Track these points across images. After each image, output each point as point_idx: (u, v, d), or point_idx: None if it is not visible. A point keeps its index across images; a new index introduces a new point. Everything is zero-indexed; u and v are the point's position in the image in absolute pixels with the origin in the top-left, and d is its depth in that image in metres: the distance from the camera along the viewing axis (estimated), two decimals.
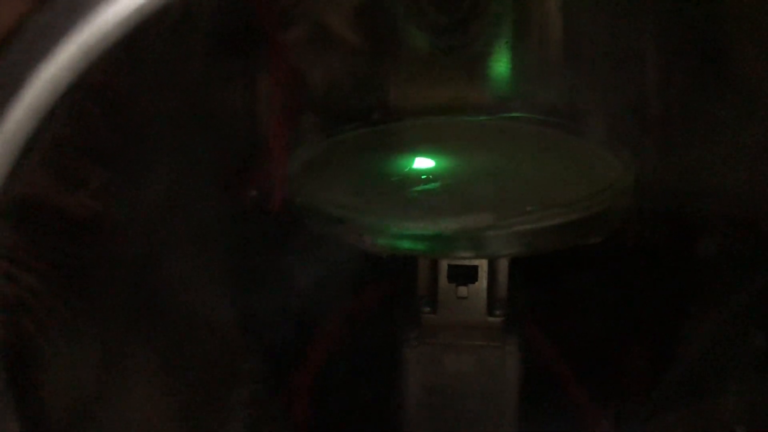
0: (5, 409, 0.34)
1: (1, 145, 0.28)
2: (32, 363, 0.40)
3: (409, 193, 0.61)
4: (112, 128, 0.50)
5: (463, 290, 0.64)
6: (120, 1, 0.27)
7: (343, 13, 0.71)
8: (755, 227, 0.61)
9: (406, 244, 0.57)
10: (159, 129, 0.55)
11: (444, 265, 0.63)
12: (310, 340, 0.67)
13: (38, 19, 0.27)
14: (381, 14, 0.73)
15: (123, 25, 0.27)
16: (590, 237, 0.59)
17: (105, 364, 0.47)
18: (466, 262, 0.63)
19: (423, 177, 0.63)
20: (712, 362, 0.62)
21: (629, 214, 0.62)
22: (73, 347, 0.43)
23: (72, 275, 0.44)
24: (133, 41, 0.29)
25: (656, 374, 0.66)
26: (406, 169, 0.64)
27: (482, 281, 0.64)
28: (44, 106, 0.28)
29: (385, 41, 0.73)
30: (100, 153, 0.48)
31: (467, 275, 0.64)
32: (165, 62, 0.51)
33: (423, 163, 0.65)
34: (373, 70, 0.74)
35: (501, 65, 0.74)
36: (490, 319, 0.64)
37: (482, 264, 0.63)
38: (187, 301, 0.56)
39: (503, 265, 0.64)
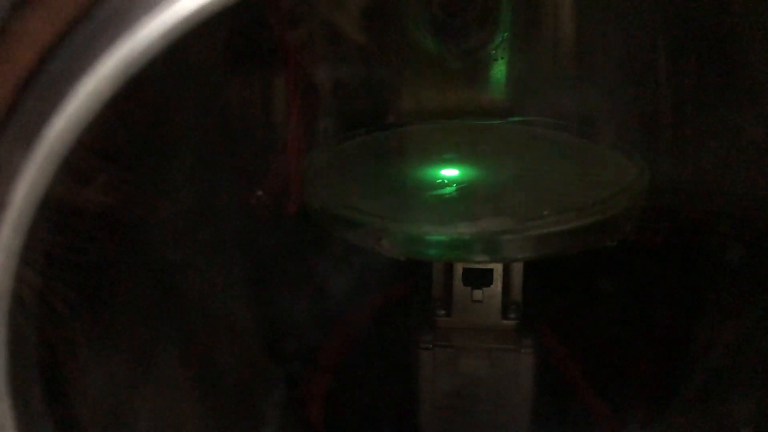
0: (41, 415, 0.35)
1: (46, 155, 0.28)
2: (65, 370, 0.40)
3: (425, 198, 0.61)
4: (133, 132, 0.50)
5: (477, 293, 0.64)
6: (162, 15, 0.27)
7: (352, 15, 0.72)
8: (762, 226, 0.62)
9: (422, 248, 0.57)
10: (180, 134, 0.55)
11: (459, 268, 0.64)
12: (326, 343, 0.67)
13: (81, 31, 0.28)
14: (393, 18, 0.73)
15: (165, 39, 0.27)
16: (605, 240, 0.59)
17: (136, 371, 0.47)
18: (481, 266, 0.63)
19: (439, 181, 0.63)
20: (724, 367, 0.62)
21: (642, 217, 0.62)
22: (104, 355, 0.44)
23: (97, 279, 0.44)
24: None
25: (669, 378, 0.66)
26: (422, 173, 0.64)
27: (497, 284, 0.64)
28: (86, 116, 0.28)
29: (397, 45, 0.74)
30: (118, 155, 0.48)
31: (482, 278, 0.64)
32: (185, 71, 0.51)
33: (438, 167, 0.65)
34: (386, 75, 0.74)
35: (514, 69, 0.74)
36: (505, 322, 0.65)
37: (497, 267, 0.64)
38: (215, 308, 0.56)
39: (518, 268, 0.64)
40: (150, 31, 0.27)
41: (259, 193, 0.63)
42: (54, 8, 0.28)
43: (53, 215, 0.38)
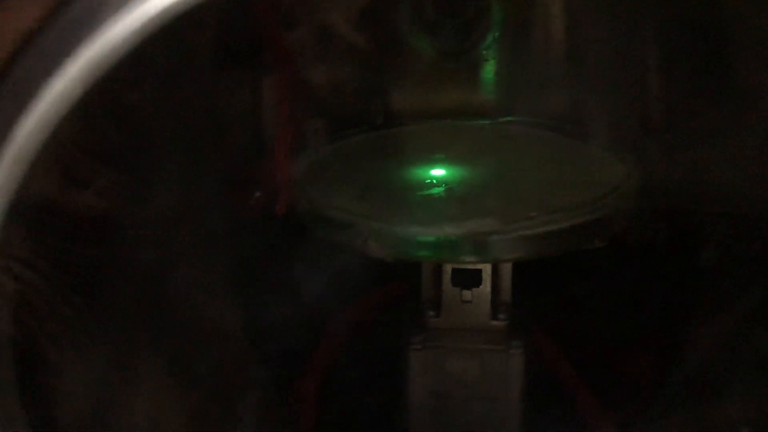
0: (16, 414, 0.35)
1: (13, 156, 0.28)
2: (42, 367, 0.40)
3: (413, 198, 0.61)
4: (119, 132, 0.50)
5: (467, 294, 0.64)
6: (129, 16, 0.27)
7: (346, 15, 0.72)
8: (755, 226, 0.61)
9: (410, 249, 0.57)
10: (166, 134, 0.55)
11: (448, 269, 0.64)
12: (315, 345, 0.67)
13: (48, 32, 0.28)
14: (384, 17, 0.73)
15: (131, 40, 0.27)
16: (594, 241, 0.59)
17: (115, 370, 0.47)
18: (470, 266, 0.63)
19: (427, 182, 0.63)
20: (718, 365, 0.62)
21: (633, 218, 0.62)
22: (83, 353, 0.44)
23: (78, 278, 0.44)
24: (141, 53, 0.29)
25: (661, 377, 0.66)
26: (411, 174, 0.64)
27: (486, 285, 0.64)
28: (54, 118, 0.28)
29: (389, 45, 0.74)
30: (106, 154, 0.48)
31: (471, 279, 0.64)
32: (172, 70, 0.51)
33: (427, 168, 0.65)
34: (377, 75, 0.74)
35: (504, 70, 0.74)
36: (494, 322, 0.65)
37: (486, 268, 0.64)
38: (196, 309, 0.56)
39: (507, 269, 0.64)
40: (118, 31, 0.27)
41: (257, 194, 0.63)
42: (20, 10, 0.28)
43: (36, 216, 0.38)
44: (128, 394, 0.48)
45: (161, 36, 0.29)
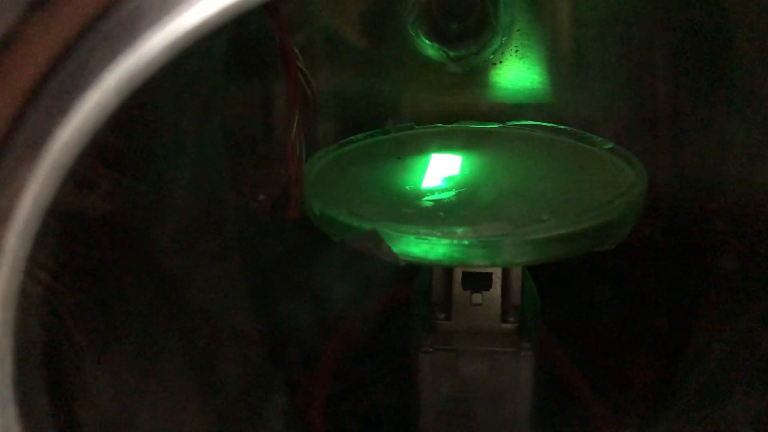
0: (46, 421, 0.35)
1: (50, 166, 0.29)
2: (68, 372, 0.40)
3: (424, 202, 0.61)
4: (130, 137, 0.50)
5: (477, 297, 0.64)
6: (165, 29, 0.27)
7: (353, 20, 0.72)
8: (755, 222, 0.62)
9: (421, 253, 0.58)
10: (180, 142, 0.55)
11: (458, 272, 0.64)
12: (326, 348, 0.67)
13: (86, 45, 0.28)
14: (391, 22, 0.73)
15: (167, 53, 0.28)
16: (603, 244, 0.59)
17: (140, 377, 0.48)
18: (480, 270, 0.63)
19: (437, 186, 0.63)
20: (723, 367, 0.62)
21: (642, 221, 0.62)
22: (109, 361, 0.44)
23: (105, 289, 0.45)
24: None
25: (670, 381, 0.66)
26: (420, 178, 0.65)
27: (496, 288, 0.64)
28: (90, 129, 0.28)
29: (396, 50, 0.74)
30: (115, 159, 0.49)
31: (481, 282, 0.64)
32: (188, 77, 0.51)
33: (437, 171, 0.66)
34: (385, 79, 0.75)
35: (511, 73, 0.75)
36: (504, 325, 0.65)
37: (496, 271, 0.64)
38: (218, 314, 0.56)
39: (517, 272, 0.65)
40: (154, 44, 0.28)
41: (261, 197, 0.63)
42: (59, 22, 0.28)
43: (58, 222, 0.38)
44: (151, 399, 0.48)
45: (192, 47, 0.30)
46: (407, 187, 0.64)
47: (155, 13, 0.28)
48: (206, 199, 0.56)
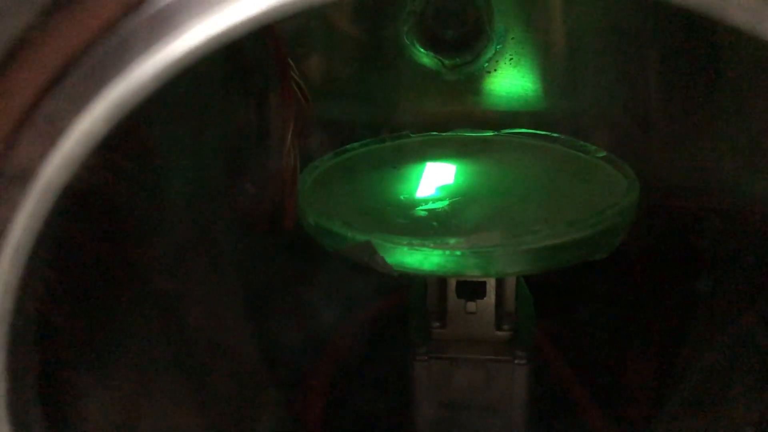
0: None
1: (41, 191, 0.29)
2: (65, 390, 0.40)
3: (418, 212, 0.62)
4: (123, 154, 0.50)
5: (471, 305, 0.65)
6: (154, 57, 0.28)
7: (348, 29, 0.72)
8: (747, 220, 0.62)
9: (415, 264, 0.58)
10: (173, 154, 0.56)
11: (453, 281, 0.64)
12: (321, 356, 0.67)
13: (75, 72, 0.28)
14: (386, 31, 0.74)
15: (157, 80, 0.28)
16: (597, 253, 0.59)
17: (135, 395, 0.48)
18: (475, 279, 0.64)
19: (431, 196, 0.63)
20: (722, 368, 0.62)
21: (635, 229, 0.62)
22: (104, 379, 0.44)
23: (100, 309, 0.45)
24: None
25: (665, 383, 0.66)
26: (414, 188, 0.65)
27: (490, 296, 0.65)
28: (80, 156, 0.29)
29: (391, 59, 0.74)
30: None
31: (476, 291, 0.65)
32: (181, 93, 0.52)
33: (431, 180, 0.66)
34: (380, 88, 0.75)
35: (505, 81, 0.75)
36: (499, 333, 0.65)
37: (490, 280, 0.64)
38: (213, 333, 0.57)
39: (511, 280, 0.65)
40: (144, 72, 0.28)
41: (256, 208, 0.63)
42: (50, 50, 0.29)
43: (51, 245, 0.39)
44: (146, 417, 0.48)
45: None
46: (401, 197, 0.64)
47: (143, 43, 0.28)
48: (201, 215, 0.57)
